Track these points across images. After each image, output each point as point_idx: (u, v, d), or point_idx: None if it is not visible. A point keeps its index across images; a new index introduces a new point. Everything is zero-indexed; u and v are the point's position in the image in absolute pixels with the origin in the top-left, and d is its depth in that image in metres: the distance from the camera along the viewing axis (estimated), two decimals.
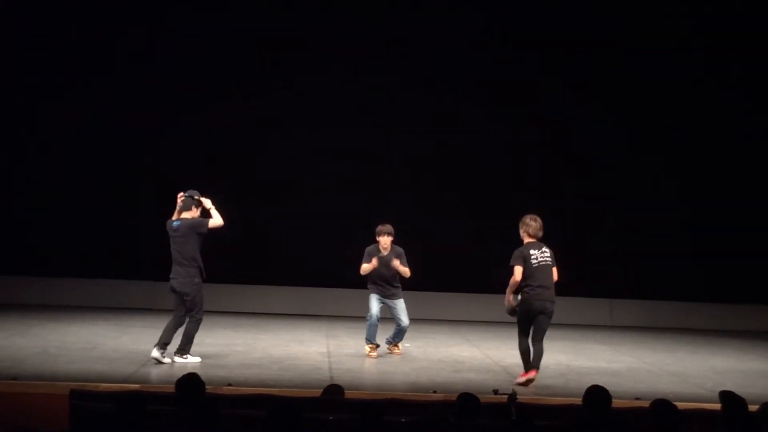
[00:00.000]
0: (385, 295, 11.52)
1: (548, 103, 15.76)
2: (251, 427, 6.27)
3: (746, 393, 6.98)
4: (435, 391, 9.20)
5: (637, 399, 8.76)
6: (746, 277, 15.74)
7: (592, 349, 13.05)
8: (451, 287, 15.55)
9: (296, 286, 15.57)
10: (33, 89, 15.27)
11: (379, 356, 11.48)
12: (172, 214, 10.68)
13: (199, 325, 10.62)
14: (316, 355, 11.54)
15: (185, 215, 10.58)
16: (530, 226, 10.32)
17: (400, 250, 11.52)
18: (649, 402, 6.51)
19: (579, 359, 11.80)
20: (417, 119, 15.80)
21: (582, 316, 15.38)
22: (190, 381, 6.47)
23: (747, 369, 11.98)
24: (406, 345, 12.04)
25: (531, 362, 10.11)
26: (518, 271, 10.13)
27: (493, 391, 8.71)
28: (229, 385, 9.01)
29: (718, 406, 6.67)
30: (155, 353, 10.34)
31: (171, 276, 10.55)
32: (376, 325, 11.44)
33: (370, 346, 11.50)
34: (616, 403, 6.86)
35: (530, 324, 10.25)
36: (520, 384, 9.86)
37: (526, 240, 10.32)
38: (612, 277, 15.68)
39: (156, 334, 10.59)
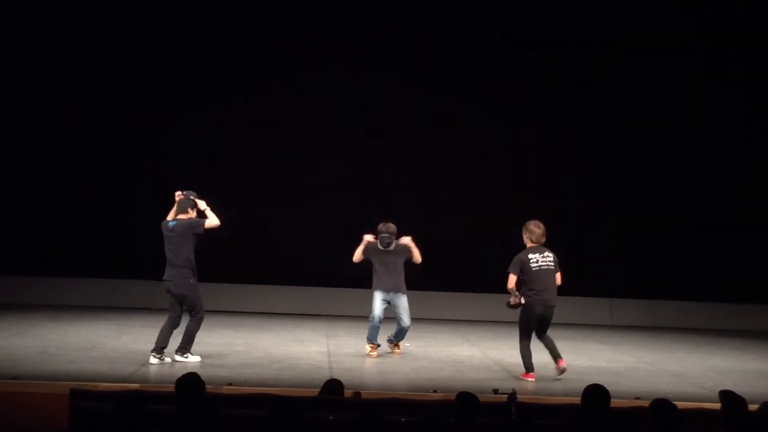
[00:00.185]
0: (389, 288, 11.50)
1: (548, 103, 15.75)
2: (251, 426, 6.26)
3: (746, 392, 6.98)
4: (435, 391, 9.20)
5: (637, 399, 8.75)
6: (746, 277, 15.73)
7: (592, 349, 13.05)
8: (451, 287, 15.55)
9: (296, 286, 15.58)
10: (33, 89, 15.25)
11: (379, 356, 11.48)
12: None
13: (200, 324, 10.61)
14: (317, 354, 11.54)
15: (181, 217, 10.53)
16: (534, 232, 10.32)
17: (404, 243, 11.55)
18: (649, 402, 6.51)
19: (579, 359, 11.79)
20: (417, 119, 15.80)
21: (582, 316, 15.37)
22: (190, 380, 6.46)
23: (747, 369, 11.98)
24: (406, 344, 12.04)
25: (552, 354, 10.29)
26: (511, 280, 10.23)
27: (493, 390, 8.70)
28: (230, 384, 9.02)
29: (718, 405, 6.67)
30: (152, 360, 10.32)
31: (164, 278, 10.50)
32: (378, 327, 11.44)
33: (371, 345, 11.50)
34: (616, 402, 6.87)
35: (532, 327, 10.28)
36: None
37: (529, 245, 10.32)
38: (612, 277, 15.67)
39: (156, 333, 10.56)
